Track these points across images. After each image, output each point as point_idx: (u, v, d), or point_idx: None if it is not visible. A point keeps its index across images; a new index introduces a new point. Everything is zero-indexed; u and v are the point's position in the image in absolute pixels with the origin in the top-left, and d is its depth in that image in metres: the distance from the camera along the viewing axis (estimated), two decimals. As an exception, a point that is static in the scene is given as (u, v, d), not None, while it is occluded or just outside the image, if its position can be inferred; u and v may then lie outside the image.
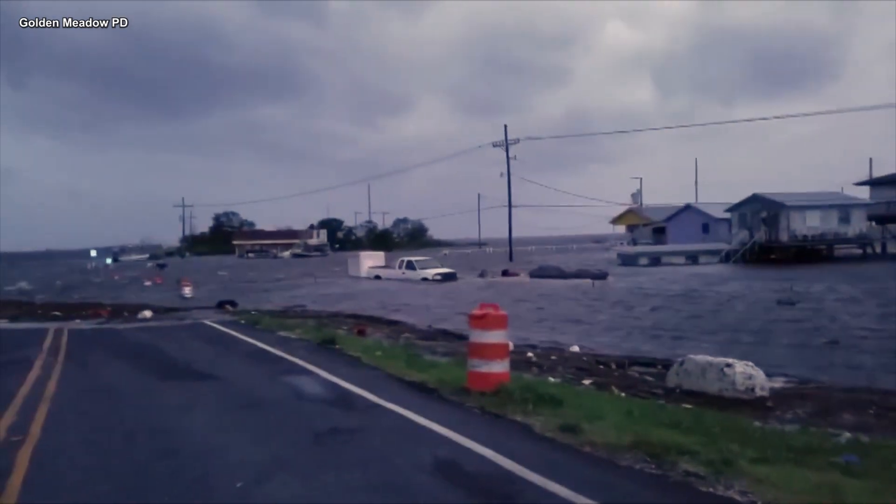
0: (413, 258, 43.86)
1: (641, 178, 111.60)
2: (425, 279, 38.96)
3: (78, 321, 19.93)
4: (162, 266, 73.67)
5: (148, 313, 21.25)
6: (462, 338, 14.29)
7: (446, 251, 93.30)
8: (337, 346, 12.31)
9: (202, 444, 6.20)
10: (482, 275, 42.33)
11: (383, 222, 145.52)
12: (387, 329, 17.01)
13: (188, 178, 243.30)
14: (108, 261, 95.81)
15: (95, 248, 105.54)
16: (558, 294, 28.84)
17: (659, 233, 66.16)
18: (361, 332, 15.33)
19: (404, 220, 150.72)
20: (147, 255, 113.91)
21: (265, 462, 5.51)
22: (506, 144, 61.34)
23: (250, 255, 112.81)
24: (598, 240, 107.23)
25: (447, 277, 39.55)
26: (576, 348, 13.69)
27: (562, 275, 38.62)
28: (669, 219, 64.39)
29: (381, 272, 43.75)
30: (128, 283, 48.17)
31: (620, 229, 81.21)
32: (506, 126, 62.24)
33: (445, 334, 15.77)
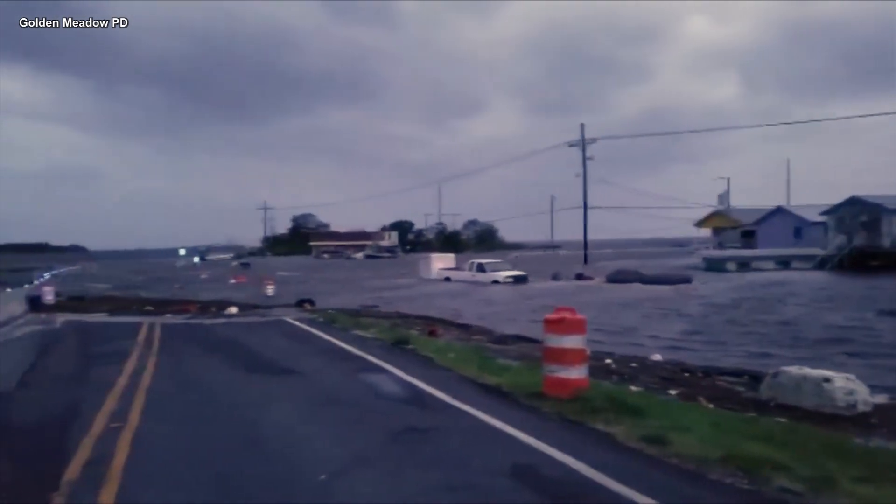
0: (483, 260, 43.86)
1: (729, 179, 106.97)
2: (496, 282, 38.86)
3: (169, 316, 21.03)
4: (245, 265, 76.70)
5: (234, 309, 22.22)
6: (534, 342, 14.18)
7: (517, 253, 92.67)
8: (410, 347, 12.51)
9: (286, 436, 6.44)
10: (555, 278, 41.81)
11: (453, 224, 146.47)
12: (457, 331, 17.10)
13: (268, 182, 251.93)
14: (196, 259, 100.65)
15: (184, 248, 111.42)
16: (637, 299, 28.19)
17: (747, 236, 63.55)
18: (433, 334, 15.47)
19: (474, 222, 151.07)
20: (231, 255, 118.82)
21: (346, 456, 5.67)
22: (582, 144, 60.46)
23: (325, 255, 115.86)
24: (681, 243, 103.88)
25: (518, 280, 39.30)
26: (658, 356, 13.35)
27: (641, 279, 37.65)
28: (759, 222, 61.78)
29: (451, 274, 43.94)
30: (214, 280, 50.37)
31: (705, 232, 78.35)
32: (582, 125, 61.38)
33: (517, 338, 15.67)
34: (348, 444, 6.10)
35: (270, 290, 31.86)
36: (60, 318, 19.93)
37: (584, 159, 60.37)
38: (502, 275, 39.74)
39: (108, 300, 27.62)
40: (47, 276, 47.43)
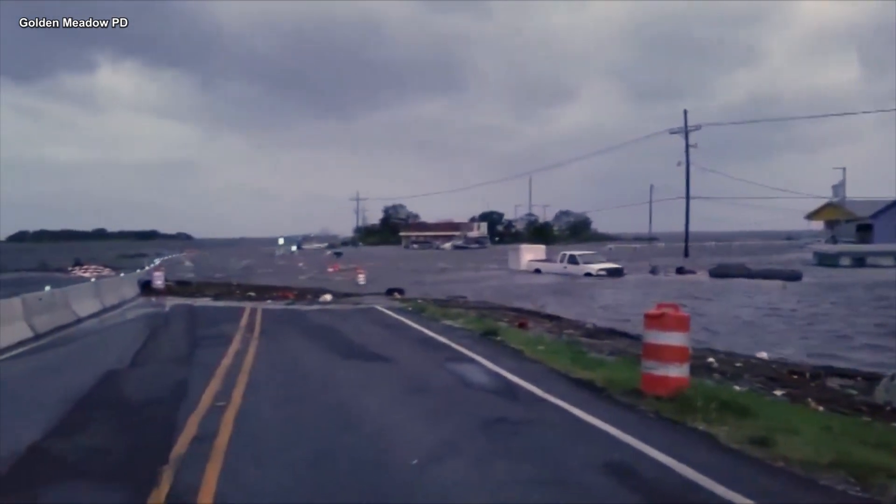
0: (576, 252, 43.03)
1: (845, 169, 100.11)
2: (588, 274, 37.97)
3: (269, 302, 22.02)
4: (338, 254, 78.95)
5: (328, 297, 23.02)
6: (630, 337, 13.88)
7: (611, 245, 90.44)
8: (499, 338, 12.51)
9: (380, 421, 6.62)
10: (653, 271, 40.51)
11: (544, 215, 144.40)
12: (548, 324, 16.90)
13: (361, 174, 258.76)
14: (293, 248, 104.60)
15: (282, 237, 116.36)
16: (742, 295, 26.98)
17: (864, 230, 59.32)
18: (523, 326, 15.39)
19: (566, 213, 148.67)
20: (325, 244, 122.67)
21: (437, 444, 5.76)
22: (685, 131, 58.18)
23: (415, 245, 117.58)
24: (791, 237, 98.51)
25: (613, 273, 38.25)
26: (763, 355, 12.74)
27: (747, 274, 35.93)
28: (877, 215, 57.48)
29: (542, 266, 43.40)
30: (309, 269, 52.11)
31: (817, 225, 73.62)
32: (685, 111, 59.04)
33: (611, 333, 15.34)
34: (439, 431, 6.19)
35: (361, 278, 32.66)
36: (169, 302, 21.26)
37: (687, 147, 58.12)
38: (595, 267, 38.84)
39: (212, 286, 29.15)
40: (157, 261, 50.45)
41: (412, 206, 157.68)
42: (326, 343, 12.29)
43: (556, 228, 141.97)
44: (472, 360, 10.15)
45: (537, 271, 42.58)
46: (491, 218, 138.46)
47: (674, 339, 7.19)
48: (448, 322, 15.48)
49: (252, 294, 24.70)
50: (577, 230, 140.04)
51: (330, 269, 48.15)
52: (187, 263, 58.24)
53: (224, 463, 5.28)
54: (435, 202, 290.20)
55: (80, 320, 15.98)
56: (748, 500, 4.45)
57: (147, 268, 36.77)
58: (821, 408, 7.86)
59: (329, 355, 10.85)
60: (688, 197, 59.28)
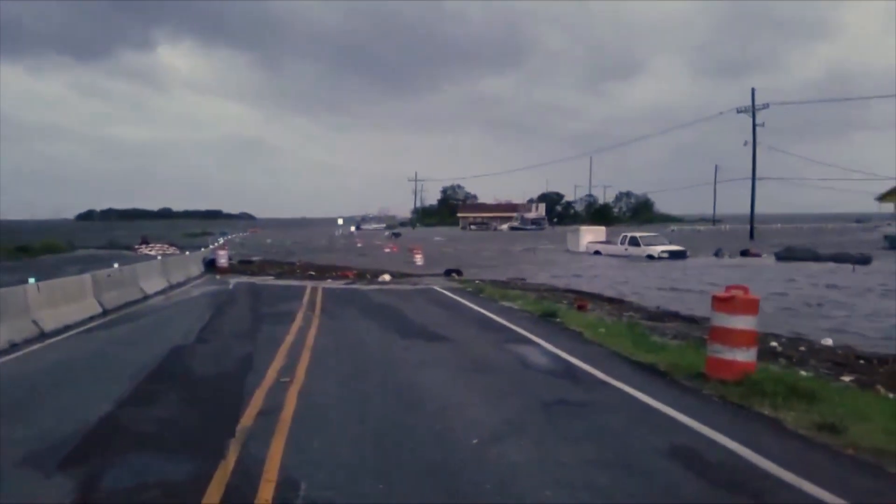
0: (637, 233, 42.23)
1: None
2: (650, 256, 37.24)
3: (329, 281, 22.40)
4: (396, 235, 79.61)
5: (387, 277, 23.25)
6: (693, 321, 13.58)
7: (674, 227, 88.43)
8: (558, 320, 12.48)
9: (440, 400, 6.70)
10: (717, 254, 39.42)
11: (604, 196, 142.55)
12: (608, 306, 16.67)
13: (420, 154, 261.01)
14: (353, 228, 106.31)
15: (342, 217, 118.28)
16: (809, 279, 26.04)
17: (943, 213, 56.35)
18: (582, 308, 15.23)
19: (627, 194, 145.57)
20: (384, 225, 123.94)
21: (498, 424, 5.80)
22: (752, 110, 56.12)
23: (472, 227, 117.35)
24: (860, 219, 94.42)
25: (676, 255, 37.42)
26: (829, 341, 12.28)
27: (815, 257, 34.60)
28: (954, 197, 54.45)
29: (602, 248, 42.78)
30: (368, 249, 52.78)
31: (887, 208, 70.41)
32: (753, 90, 57.31)
33: (674, 316, 15.01)
34: (499, 411, 6.22)
35: (419, 259, 32.85)
36: (233, 280, 21.88)
37: (754, 126, 56.11)
38: (657, 249, 38.02)
39: (274, 264, 29.82)
40: (221, 240, 51.90)
41: (470, 187, 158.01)
42: (386, 322, 12.47)
43: (616, 210, 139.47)
44: (531, 342, 10.17)
45: (597, 253, 41.99)
46: (550, 199, 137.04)
47: (742, 322, 7.01)
48: (506, 303, 15.49)
49: (313, 273, 25.17)
50: (639, 212, 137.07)
51: (387, 249, 48.58)
52: (268, 241, 59.84)
53: (289, 437, 5.44)
54: (493, 183, 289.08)
55: (147, 297, 16.55)
56: (817, 487, 4.35)
57: (211, 246, 37.85)
58: (891, 395, 7.56)
59: (389, 334, 11.01)
60: (754, 178, 57.30)
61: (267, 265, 29.04)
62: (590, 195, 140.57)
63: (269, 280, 22.69)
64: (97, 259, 29.08)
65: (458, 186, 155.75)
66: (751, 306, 7.04)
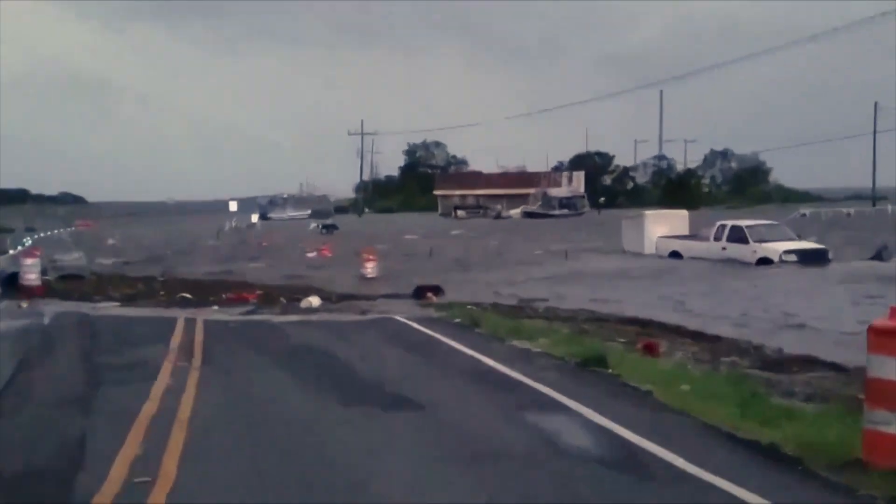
0: (744, 222, 42.37)
1: None
2: (766, 260, 37.31)
3: (216, 308, 22.38)
4: (330, 228, 79.16)
5: (315, 300, 23.21)
6: (841, 370, 13.61)
7: (805, 210, 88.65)
8: (610, 371, 12.53)
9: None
10: (881, 255, 39.40)
11: (684, 158, 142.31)
12: (695, 345, 16.71)
13: (368, 91, 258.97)
14: (254, 219, 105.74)
15: (235, 200, 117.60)
16: None
17: None
18: (650, 349, 15.26)
19: (724, 155, 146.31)
20: (308, 212, 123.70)
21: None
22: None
23: (460, 212, 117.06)
24: None
25: (810, 258, 37.32)
26: None
27: None
28: None
29: (682, 245, 42.80)
30: (283, 253, 52.44)
31: None
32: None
33: (808, 362, 15.10)
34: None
35: (371, 268, 32.72)
36: (50, 309, 21.57)
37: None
38: (779, 248, 37.88)
39: (122, 281, 29.56)
40: (28, 241, 51.36)
41: (455, 146, 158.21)
42: (315, 377, 12.44)
43: (706, 181, 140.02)
44: (564, 409, 10.16)
45: (674, 254, 42.10)
46: (590, 163, 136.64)
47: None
48: (520, 342, 15.58)
49: (188, 296, 25.04)
50: (743, 183, 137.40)
51: (311, 254, 48.28)
52: (110, 242, 59.37)
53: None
54: (494, 139, 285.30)
55: None
56: None
57: (12, 252, 37.38)
58: None
59: (320, 399, 10.95)
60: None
61: (108, 282, 28.81)
62: (660, 157, 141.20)
63: (113, 308, 22.54)
64: None
65: (436, 144, 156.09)
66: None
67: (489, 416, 9.97)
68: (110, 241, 62.70)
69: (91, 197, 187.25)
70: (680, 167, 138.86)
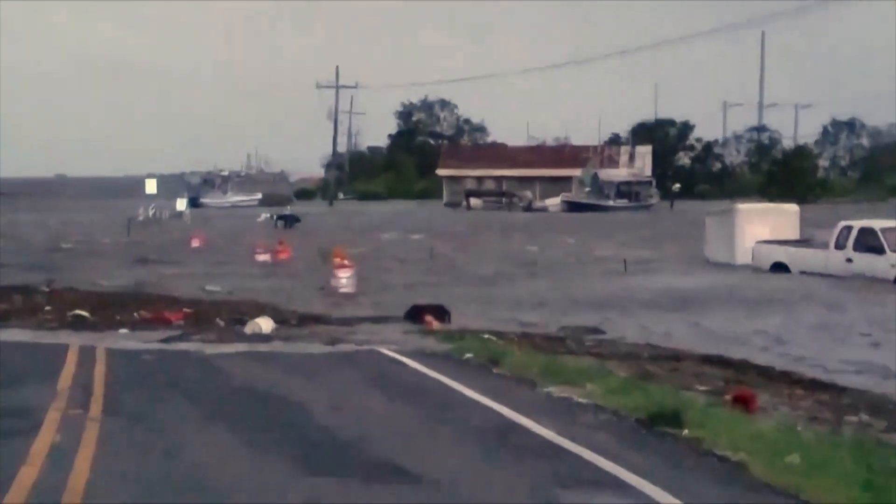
0: (878, 223, 42.34)
1: None
2: (909, 277, 37.48)
3: (124, 332, 22.48)
4: (288, 221, 79.14)
5: (265, 324, 23.16)
6: None
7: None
8: (686, 432, 12.45)
9: None
10: None
11: (794, 130, 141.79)
12: (807, 398, 16.72)
13: (347, 30, 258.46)
14: (181, 205, 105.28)
15: (154, 177, 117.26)
16: None
17: None
18: (745, 402, 15.23)
19: (850, 126, 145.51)
20: (257, 197, 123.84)
21: None
22: None
23: (474, 200, 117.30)
24: None
25: None
26: None
27: None
28: None
29: (790, 254, 42.64)
30: (222, 254, 52.50)
31: None
32: None
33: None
34: None
35: (346, 279, 32.81)
36: None
37: None
38: None
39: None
40: None
41: (469, 107, 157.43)
42: (267, 434, 12.34)
43: (824, 162, 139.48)
44: (621, 486, 10.02)
45: (778, 267, 42.05)
46: (661, 135, 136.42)
47: None
48: (559, 388, 15.59)
49: (84, 314, 25.08)
50: (878, 168, 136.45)
51: (262, 256, 48.12)
52: None
53: None
54: (522, 98, 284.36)
55: None
56: None
57: None
58: None
59: (274, 465, 10.85)
60: None
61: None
62: (759, 128, 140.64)
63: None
64: None
65: (442, 104, 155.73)
66: None
67: (513, 495, 9.86)
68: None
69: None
70: (787, 143, 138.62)
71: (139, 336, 21.74)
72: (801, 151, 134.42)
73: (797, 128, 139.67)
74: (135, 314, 25.00)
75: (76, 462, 10.73)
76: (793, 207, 50.07)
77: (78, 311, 25.46)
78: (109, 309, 25.91)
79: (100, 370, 16.95)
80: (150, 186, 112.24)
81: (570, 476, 10.47)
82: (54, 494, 9.41)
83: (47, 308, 26.37)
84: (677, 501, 9.45)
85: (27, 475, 10.08)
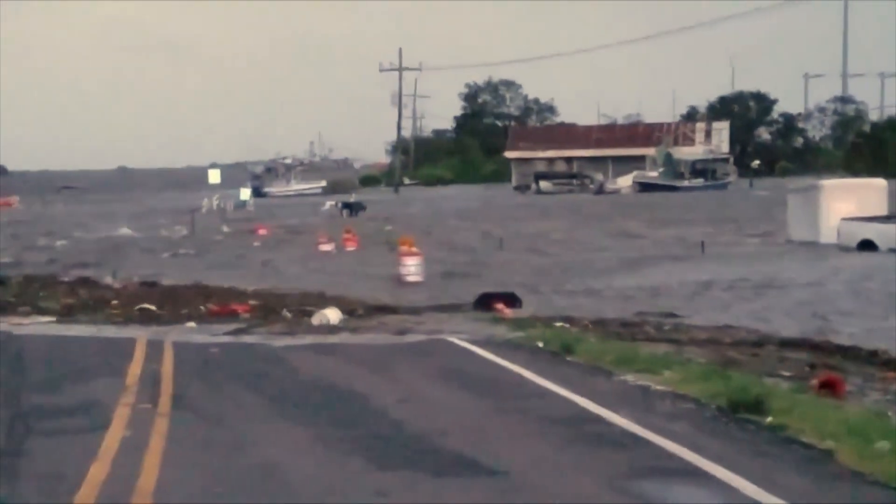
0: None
1: None
2: None
3: (192, 326, 22.66)
4: (353, 208, 78.85)
5: (332, 315, 23.17)
6: None
7: None
8: (770, 420, 12.31)
9: None
10: None
11: (881, 101, 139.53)
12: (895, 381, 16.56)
13: (411, 13, 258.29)
14: (245, 196, 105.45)
15: (217, 167, 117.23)
16: None
17: None
18: (832, 387, 15.08)
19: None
20: (321, 185, 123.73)
21: None
22: None
23: (544, 183, 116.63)
24: None
25: None
26: None
27: None
28: None
29: (878, 231, 42.00)
30: (285, 244, 52.42)
31: None
32: None
33: None
34: None
35: (413, 267, 32.74)
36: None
37: None
38: None
39: (57, 287, 29.73)
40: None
41: (536, 87, 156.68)
42: (337, 430, 12.37)
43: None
44: (703, 477, 9.93)
45: (866, 245, 41.54)
46: (740, 109, 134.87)
47: None
48: (635, 377, 15.57)
49: (151, 307, 25.30)
50: None
51: (326, 246, 47.88)
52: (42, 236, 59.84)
53: None
54: (592, 76, 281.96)
55: None
56: None
57: None
58: None
59: (345, 461, 10.83)
60: None
61: (37, 288, 29.02)
62: (843, 98, 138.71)
63: (45, 325, 22.79)
64: None
65: (507, 85, 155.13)
66: None
67: (589, 487, 9.75)
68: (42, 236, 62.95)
69: (15, 165, 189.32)
70: (874, 114, 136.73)
71: (206, 329, 21.90)
72: (888, 123, 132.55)
73: (884, 98, 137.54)
74: (201, 307, 25.18)
75: (146, 458, 10.81)
76: (881, 182, 49.53)
77: (145, 305, 25.71)
78: (175, 302, 26.14)
79: (167, 364, 17.05)
80: (214, 177, 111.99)
81: (647, 466, 10.39)
82: (124, 494, 9.47)
83: (114, 302, 26.58)
84: (761, 492, 9.39)
85: (97, 472, 10.14)
